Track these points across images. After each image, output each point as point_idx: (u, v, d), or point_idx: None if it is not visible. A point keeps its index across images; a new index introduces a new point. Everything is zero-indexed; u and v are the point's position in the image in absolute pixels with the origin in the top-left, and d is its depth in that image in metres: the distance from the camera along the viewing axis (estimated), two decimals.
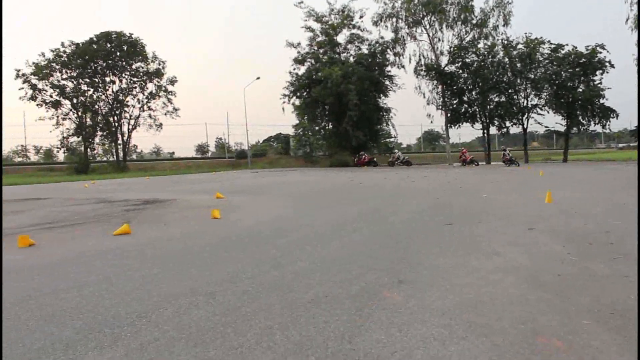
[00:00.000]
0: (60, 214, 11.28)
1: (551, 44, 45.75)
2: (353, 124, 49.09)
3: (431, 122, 56.34)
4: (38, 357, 3.00)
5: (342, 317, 3.60)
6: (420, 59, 49.99)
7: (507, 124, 49.24)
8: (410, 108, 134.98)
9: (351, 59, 53.07)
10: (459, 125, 50.83)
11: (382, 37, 52.06)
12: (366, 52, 53.19)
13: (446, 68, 48.58)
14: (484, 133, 51.27)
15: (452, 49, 48.05)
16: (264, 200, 13.79)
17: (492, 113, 48.76)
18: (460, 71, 48.46)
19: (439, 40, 49.14)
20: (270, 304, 3.97)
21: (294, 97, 54.53)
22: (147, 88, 62.53)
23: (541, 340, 3.09)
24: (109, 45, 59.78)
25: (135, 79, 61.89)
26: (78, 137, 62.19)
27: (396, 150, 50.13)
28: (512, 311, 3.64)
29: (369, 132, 52.60)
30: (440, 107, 49.58)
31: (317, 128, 59.08)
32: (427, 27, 48.87)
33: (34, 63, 58.04)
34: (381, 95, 53.96)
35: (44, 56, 58.67)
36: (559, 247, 5.95)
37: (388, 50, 51.71)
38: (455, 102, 49.70)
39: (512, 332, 3.23)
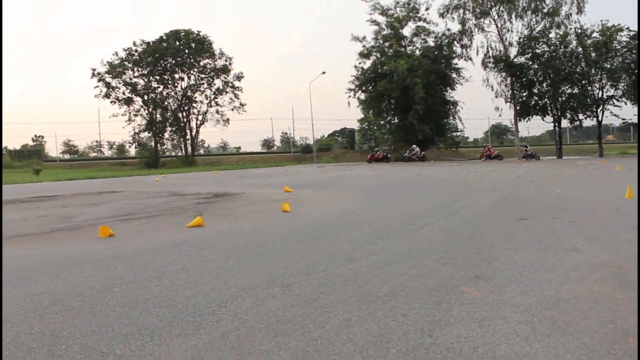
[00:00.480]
0: (136, 207, 11.69)
1: (630, 30, 43.49)
2: (419, 118, 48.49)
3: (499, 115, 55.09)
4: (127, 341, 3.11)
5: (420, 310, 3.56)
6: (488, 51, 48.91)
7: (580, 116, 47.48)
8: (477, 101, 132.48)
9: (417, 52, 52.48)
10: (529, 119, 49.42)
11: (448, 29, 51.26)
12: (432, 44, 52.50)
13: (515, 59, 47.26)
14: (555, 126, 49.61)
15: (521, 40, 46.67)
16: (332, 194, 13.84)
17: (564, 105, 47.08)
18: (530, 62, 47.01)
19: (508, 30, 47.86)
20: (347, 296, 3.98)
21: (360, 91, 54.38)
22: (215, 84, 63.97)
23: (634, 342, 2.96)
24: (177, 43, 61.45)
25: (203, 76, 63.37)
26: (148, 133, 64.23)
27: (414, 146, 49.15)
28: (599, 310, 3.49)
29: (435, 126, 51.82)
30: (509, 99, 48.31)
31: (382, 122, 58.74)
32: (496, 17, 47.67)
33: (108, 62, 60.34)
34: (448, 88, 53.07)
35: (117, 55, 60.87)
36: None
37: (455, 42, 50.85)
38: (524, 94, 48.29)
39: (601, 332, 3.10)
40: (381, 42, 53.44)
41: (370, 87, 53.50)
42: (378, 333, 3.16)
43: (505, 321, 3.32)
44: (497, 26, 48.00)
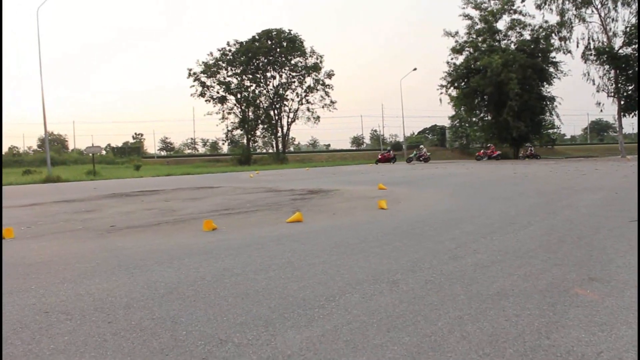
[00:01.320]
0: (234, 202, 12.03)
1: None
2: (514, 115, 47.01)
3: (601, 111, 51.95)
4: (242, 331, 3.20)
5: (534, 311, 3.45)
6: (589, 43, 46.41)
7: None
8: (575, 96, 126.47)
9: (512, 46, 50.82)
10: (635, 114, 46.52)
11: (546, 21, 49.21)
12: (528, 38, 50.63)
13: (620, 51, 44.49)
14: None
15: (628, 29, 43.78)
16: (427, 191, 13.66)
17: None
18: (637, 53, 44.17)
19: (613, 20, 45.11)
20: (455, 294, 3.91)
21: (452, 88, 53.40)
22: (306, 82, 64.79)
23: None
24: (269, 42, 62.71)
25: (294, 74, 64.47)
26: (241, 130, 65.99)
27: (422, 146, 47.57)
28: None
29: (531, 122, 49.98)
30: (612, 94, 45.62)
31: (474, 119, 57.42)
32: (599, 6, 45.10)
33: (203, 62, 62.50)
34: (544, 83, 50.95)
35: (212, 56, 62.96)
36: None
37: (552, 35, 48.68)
38: (630, 88, 45.35)
39: None
40: (474, 36, 52.22)
41: (463, 83, 52.49)
42: (492, 332, 3.09)
43: (629, 327, 3.14)
44: (600, 15, 45.50)
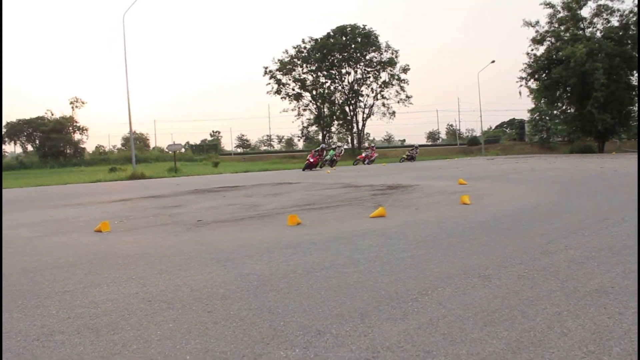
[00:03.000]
0: (315, 197, 12.15)
1: None
2: (599, 106, 44.91)
3: None
4: (339, 322, 3.26)
5: (637, 310, 3.31)
6: None
7: None
8: None
9: (598, 34, 48.55)
10: None
11: (637, 5, 46.56)
12: (616, 24, 48.15)
13: None
14: None
15: None
16: (510, 186, 13.31)
17: None
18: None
19: None
20: (551, 290, 3.82)
21: (532, 80, 51.70)
22: (381, 77, 64.49)
23: None
24: (344, 38, 62.87)
25: (369, 69, 64.33)
26: (316, 127, 66.51)
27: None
28: None
29: (618, 114, 47.62)
30: None
31: (556, 112, 55.39)
32: None
33: (279, 60, 63.38)
34: (634, 72, 48.34)
35: (287, 53, 63.77)
36: None
37: None
38: None
39: None
40: (556, 25, 50.29)
41: (544, 75, 50.73)
42: (594, 329, 3.00)
43: None
44: None
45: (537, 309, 3.39)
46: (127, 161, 50.12)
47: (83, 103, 73.65)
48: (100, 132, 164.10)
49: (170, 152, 54.21)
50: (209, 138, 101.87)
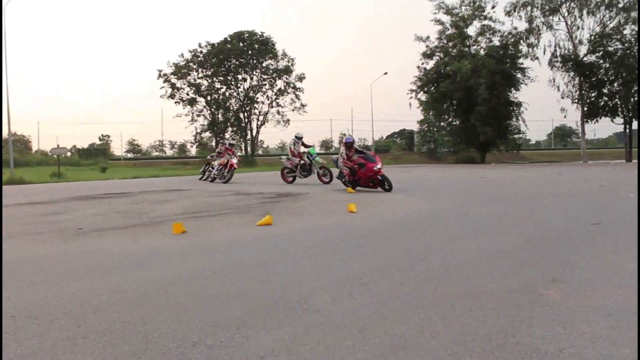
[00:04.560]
0: (204, 205, 11.96)
1: None
2: (481, 120, 47.63)
3: (564, 116, 53.22)
4: (215, 333, 3.22)
5: (500, 311, 3.55)
6: (555, 50, 47.55)
7: None
8: (541, 102, 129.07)
9: (482, 52, 51.54)
10: (597, 120, 47.85)
11: (515, 28, 50.11)
12: (498, 44, 51.44)
13: (585, 58, 45.67)
14: (625, 128, 47.85)
15: (592, 37, 44.97)
16: (399, 195, 13.76)
17: (635, 106, 45.24)
18: (601, 61, 45.39)
19: (578, 28, 46.33)
20: (425, 295, 4.00)
21: (421, 92, 53.95)
22: (277, 85, 64.55)
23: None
24: (241, 45, 62.37)
25: (265, 76, 64.14)
26: (210, 133, 65.52)
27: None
28: None
29: (498, 127, 50.76)
30: (576, 100, 46.80)
31: (443, 124, 58.11)
32: (566, 14, 46.24)
33: (174, 63, 61.91)
34: (512, 89, 51.82)
35: (182, 57, 62.45)
36: None
37: (521, 41, 49.57)
38: (593, 94, 46.76)
39: None
40: (445, 41, 52.86)
41: (433, 88, 53.10)
42: (461, 332, 3.18)
43: (589, 325, 3.26)
44: (566, 23, 46.68)
45: (410, 314, 3.52)
46: (5, 164, 46.87)
47: None
48: None
49: (54, 156, 51.34)
50: (98, 142, 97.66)
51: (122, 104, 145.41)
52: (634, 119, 46.19)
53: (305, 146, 20.18)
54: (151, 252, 6.13)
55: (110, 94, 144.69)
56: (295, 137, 20.39)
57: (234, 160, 22.03)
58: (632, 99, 44.93)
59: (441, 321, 3.36)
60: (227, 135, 66.25)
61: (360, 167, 14.33)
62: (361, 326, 3.30)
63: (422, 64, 54.30)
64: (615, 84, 45.66)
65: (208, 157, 28.13)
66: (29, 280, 4.73)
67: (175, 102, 63.07)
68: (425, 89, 53.84)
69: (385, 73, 65.56)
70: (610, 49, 44.75)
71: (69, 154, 72.06)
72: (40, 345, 3.07)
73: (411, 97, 54.68)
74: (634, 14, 43.29)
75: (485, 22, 51.58)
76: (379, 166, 14.19)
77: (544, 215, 9.03)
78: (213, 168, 23.74)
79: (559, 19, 47.01)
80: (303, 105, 64.79)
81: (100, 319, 3.54)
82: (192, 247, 6.36)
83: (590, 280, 4.37)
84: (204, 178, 25.16)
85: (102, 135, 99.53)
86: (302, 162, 19.56)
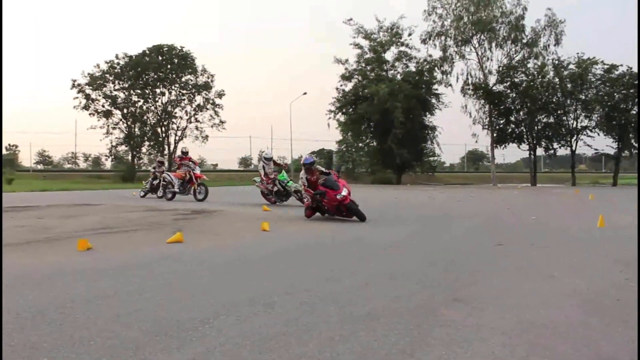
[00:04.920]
0: (114, 220, 11.60)
1: (604, 64, 44.68)
2: (398, 142, 48.92)
3: (476, 141, 55.84)
4: (110, 355, 3.11)
5: (401, 331, 3.62)
6: (467, 78, 49.68)
7: (555, 145, 48.64)
8: (455, 127, 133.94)
9: (398, 77, 53.07)
10: (505, 146, 50.37)
11: (430, 55, 51.84)
12: (414, 69, 53.18)
13: (494, 87, 48.11)
14: (530, 154, 50.59)
15: (500, 68, 47.60)
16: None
17: (539, 134, 48.24)
18: (509, 91, 48.02)
19: (488, 59, 48.65)
20: (329, 315, 4.02)
21: (340, 113, 54.81)
22: (195, 100, 63.77)
23: None
24: (160, 58, 61.32)
25: (184, 92, 63.25)
26: (126, 147, 63.73)
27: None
28: (575, 335, 3.58)
29: (414, 150, 52.31)
30: (486, 126, 49.05)
31: (360, 145, 59.20)
32: (476, 45, 48.56)
33: (89, 74, 59.91)
34: (427, 113, 53.71)
35: (98, 67, 60.58)
36: (616, 272, 5.83)
37: (436, 68, 51.42)
38: (502, 122, 49.27)
39: (577, 355, 3.20)
40: (363, 65, 54.01)
41: (351, 110, 54.07)
42: (361, 352, 3.21)
43: (484, 343, 3.39)
44: (477, 54, 48.86)
45: (312, 335, 3.54)
46: None
47: None
48: None
49: None
50: (5, 152, 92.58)
51: (32, 113, 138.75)
52: (537, 146, 48.89)
53: (276, 164, 18.56)
54: (52, 269, 5.86)
55: (20, 100, 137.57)
56: (264, 158, 18.16)
57: (198, 171, 19.59)
58: (535, 127, 47.70)
59: (342, 341, 3.39)
60: (143, 150, 64.69)
61: (321, 197, 11.95)
62: (262, 347, 3.28)
63: (341, 85, 55.30)
64: (521, 113, 48.25)
65: (150, 168, 25.92)
66: None
67: (90, 114, 60.96)
68: (344, 110, 54.74)
69: (305, 93, 66.56)
70: (516, 79, 47.32)
71: None
72: None
73: (330, 118, 55.47)
74: (536, 49, 46.43)
75: (402, 48, 53.19)
76: (343, 194, 11.59)
77: (451, 236, 9.36)
78: (165, 182, 20.57)
79: (471, 49, 49.21)
80: (222, 122, 64.36)
81: None
82: (96, 265, 6.13)
83: (489, 300, 4.54)
84: (146, 194, 22.52)
85: (10, 144, 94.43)
86: (275, 188, 17.62)
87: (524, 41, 46.98)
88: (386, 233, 9.74)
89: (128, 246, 7.77)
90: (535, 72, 46.77)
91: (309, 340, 3.42)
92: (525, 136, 48.94)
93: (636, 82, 41.90)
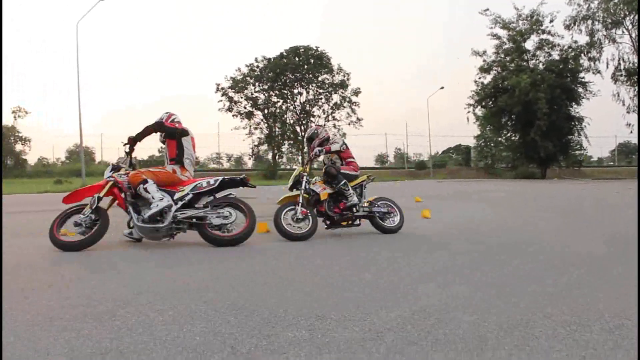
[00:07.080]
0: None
1: None
2: (542, 134, 46.59)
3: (630, 132, 51.36)
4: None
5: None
6: (619, 63, 46.28)
7: None
8: (603, 117, 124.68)
9: (540, 66, 50.61)
10: None
11: (575, 42, 49.11)
12: (557, 58, 50.42)
13: None
14: None
15: None
16: (442, 202, 13.78)
17: None
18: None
19: None
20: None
21: (479, 107, 53.40)
22: (332, 99, 65.16)
23: None
24: (297, 59, 63.39)
25: (321, 91, 64.85)
26: (267, 146, 66.54)
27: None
28: None
29: (559, 143, 49.56)
30: None
31: (500, 139, 57.23)
32: (629, 27, 44.94)
33: (231, 77, 63.35)
34: (573, 103, 50.57)
35: (240, 71, 63.86)
36: None
37: (582, 55, 48.50)
38: None
39: None
40: (502, 56, 52.18)
41: (490, 103, 52.44)
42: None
43: None
44: (630, 36, 45.26)
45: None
46: (71, 174, 48.71)
47: (26, 113, 71.28)
48: (45, 144, 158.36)
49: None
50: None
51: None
52: None
53: None
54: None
55: (169, 105, 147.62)
56: None
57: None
58: None
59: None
60: (283, 149, 67.18)
61: None
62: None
63: (480, 78, 53.74)
64: None
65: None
66: None
67: (233, 116, 64.51)
68: (483, 103, 53.19)
69: (442, 87, 65.17)
70: None
71: None
72: None
73: (468, 112, 54.15)
74: None
75: (544, 36, 50.71)
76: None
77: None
78: None
79: (622, 31, 45.80)
80: (359, 119, 65.26)
81: None
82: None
83: None
84: None
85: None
86: None
87: None
88: (554, 223, 9.44)
89: None
90: None
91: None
92: None
93: None
